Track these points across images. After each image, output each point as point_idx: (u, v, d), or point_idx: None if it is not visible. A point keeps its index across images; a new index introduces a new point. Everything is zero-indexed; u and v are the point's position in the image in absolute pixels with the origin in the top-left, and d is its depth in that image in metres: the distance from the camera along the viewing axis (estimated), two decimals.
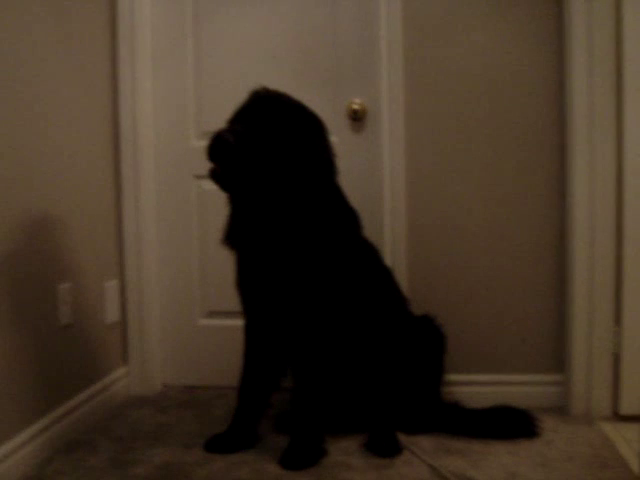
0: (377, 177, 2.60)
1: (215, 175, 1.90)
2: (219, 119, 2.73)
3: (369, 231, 2.21)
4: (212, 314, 2.82)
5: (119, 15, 2.66)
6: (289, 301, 2.02)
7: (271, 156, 1.91)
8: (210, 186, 2.69)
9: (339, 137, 2.63)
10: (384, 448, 2.09)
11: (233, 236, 2.07)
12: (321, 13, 2.68)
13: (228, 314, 2.71)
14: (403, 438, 2.16)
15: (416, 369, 2.22)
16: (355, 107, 2.62)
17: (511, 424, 2.22)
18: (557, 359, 2.51)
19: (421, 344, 2.25)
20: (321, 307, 2.02)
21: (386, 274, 2.27)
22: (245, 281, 2.12)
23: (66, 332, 2.27)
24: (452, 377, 2.46)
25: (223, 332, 2.78)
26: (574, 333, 2.41)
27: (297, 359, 2.08)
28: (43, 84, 2.16)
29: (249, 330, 2.19)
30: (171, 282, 2.84)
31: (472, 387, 2.50)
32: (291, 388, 2.11)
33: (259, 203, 1.98)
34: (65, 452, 2.14)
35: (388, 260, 2.49)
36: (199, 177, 2.73)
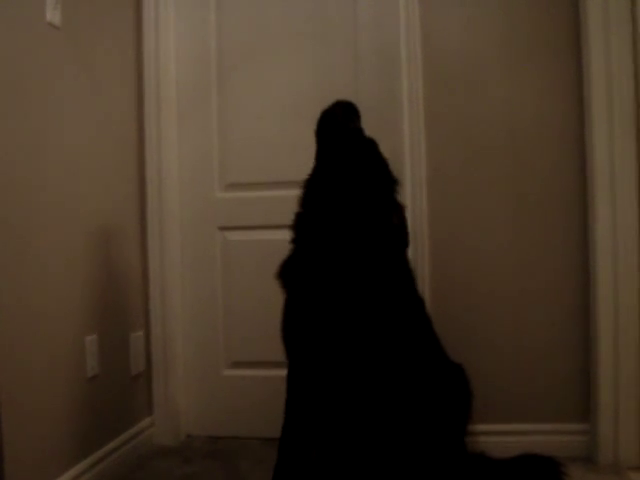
0: None
1: None
2: (243, 171, 2.79)
3: None
4: (236, 364, 2.81)
5: (145, 71, 2.74)
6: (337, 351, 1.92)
7: None
8: (234, 237, 2.76)
9: None
10: None
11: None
12: (344, 70, 2.72)
13: (252, 364, 2.73)
14: None
15: (445, 422, 2.18)
16: None
17: (538, 473, 2.17)
18: (583, 408, 2.49)
19: (452, 395, 2.21)
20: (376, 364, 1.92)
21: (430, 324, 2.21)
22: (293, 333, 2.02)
23: (93, 383, 2.30)
24: (477, 427, 2.43)
25: (247, 382, 2.77)
26: (600, 382, 2.39)
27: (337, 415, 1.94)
28: (76, 137, 2.24)
29: (292, 381, 2.05)
30: (195, 333, 2.85)
31: (497, 437, 2.46)
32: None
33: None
34: None
35: None
36: (223, 228, 2.77)
